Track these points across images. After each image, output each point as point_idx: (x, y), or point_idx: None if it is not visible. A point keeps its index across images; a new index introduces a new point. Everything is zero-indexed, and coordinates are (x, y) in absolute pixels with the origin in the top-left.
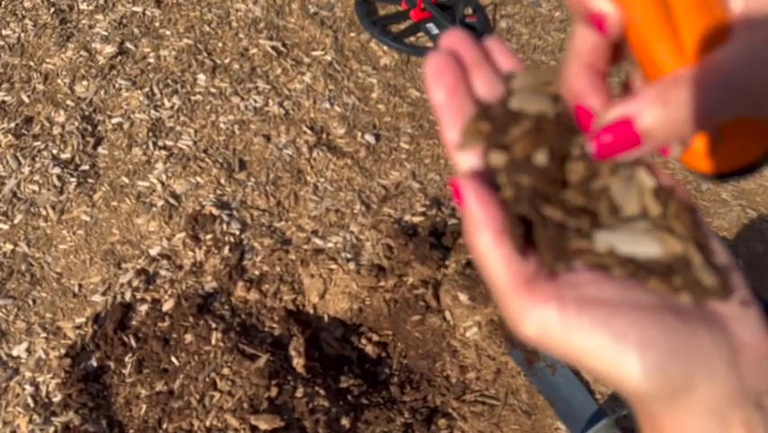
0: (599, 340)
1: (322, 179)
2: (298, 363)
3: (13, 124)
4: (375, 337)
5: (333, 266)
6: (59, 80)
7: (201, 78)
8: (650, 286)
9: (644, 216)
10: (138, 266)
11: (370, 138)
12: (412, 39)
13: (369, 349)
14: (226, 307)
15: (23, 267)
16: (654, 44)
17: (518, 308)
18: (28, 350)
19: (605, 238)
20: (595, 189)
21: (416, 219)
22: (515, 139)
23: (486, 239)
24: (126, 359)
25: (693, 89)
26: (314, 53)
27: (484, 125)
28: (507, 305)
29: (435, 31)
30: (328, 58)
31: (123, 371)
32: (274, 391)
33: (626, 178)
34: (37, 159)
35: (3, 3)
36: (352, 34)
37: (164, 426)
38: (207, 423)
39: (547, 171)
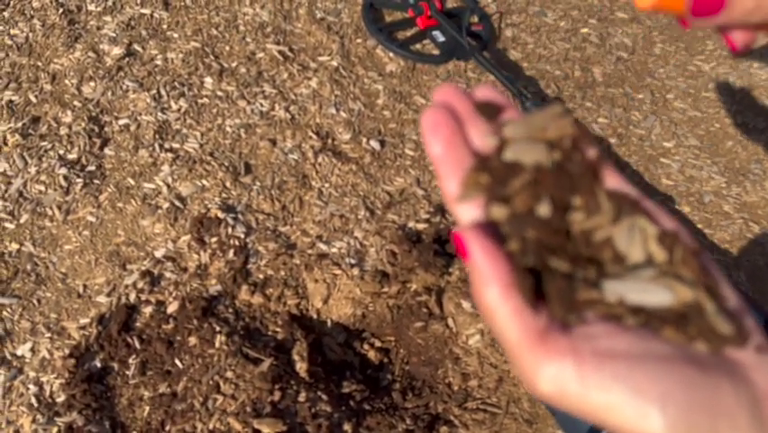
0: (619, 396)
1: (327, 185)
2: (301, 367)
3: (20, 124)
4: (378, 343)
5: (338, 271)
6: (66, 81)
7: (208, 81)
8: (665, 335)
9: (650, 263)
10: (143, 268)
11: (375, 144)
12: (418, 46)
13: (371, 355)
14: (230, 310)
15: (29, 267)
16: None
17: (532, 363)
18: (32, 350)
19: (614, 287)
20: (598, 240)
21: (420, 226)
22: (515, 191)
23: (494, 293)
24: (130, 360)
25: None
26: (320, 58)
27: (483, 177)
28: (520, 361)
29: (442, 38)
30: (334, 63)
31: (127, 372)
32: (277, 396)
33: (629, 226)
34: (44, 159)
35: (11, 2)
36: (359, 40)
37: (167, 428)
38: (210, 426)
39: (550, 223)
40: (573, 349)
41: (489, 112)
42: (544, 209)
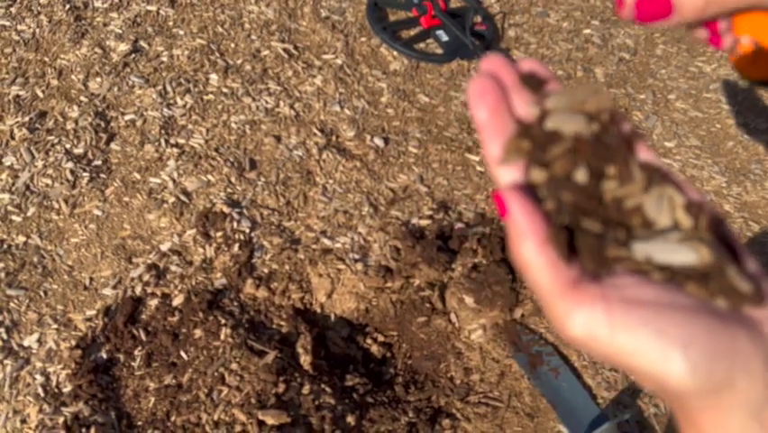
0: (645, 339)
1: (331, 181)
2: (305, 360)
3: (27, 118)
4: (380, 338)
5: (342, 266)
6: (73, 76)
7: (213, 77)
8: (688, 290)
9: (676, 228)
10: (149, 261)
11: (378, 141)
12: (422, 45)
13: (374, 349)
14: (235, 303)
15: (35, 259)
16: None
17: (565, 309)
18: (39, 341)
19: (642, 248)
20: (629, 206)
21: (424, 222)
22: (554, 157)
23: (531, 247)
24: (136, 352)
25: None
26: (325, 56)
27: (525, 143)
28: (553, 308)
29: (445, 38)
30: (339, 61)
31: (133, 364)
32: (281, 388)
33: (658, 195)
34: (50, 153)
35: None
36: (363, 39)
37: (172, 419)
38: (215, 417)
39: (585, 188)
40: (603, 296)
41: (534, 84)
42: (580, 175)
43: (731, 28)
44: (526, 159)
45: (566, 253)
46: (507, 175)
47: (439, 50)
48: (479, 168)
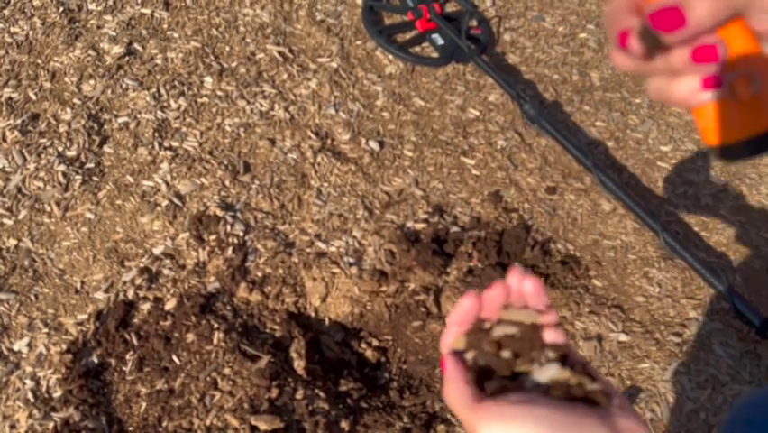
0: (522, 419)
1: (326, 184)
2: (299, 365)
3: (19, 121)
4: (375, 342)
5: (336, 270)
6: (66, 79)
7: (208, 80)
8: (554, 395)
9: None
10: (141, 265)
11: (374, 145)
12: (417, 49)
13: (368, 354)
14: (228, 307)
15: (26, 262)
16: None
17: (473, 418)
18: (29, 345)
19: (529, 378)
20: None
21: (419, 226)
22: (485, 342)
23: (455, 384)
24: (127, 357)
25: None
26: (320, 60)
27: (468, 337)
28: (466, 420)
29: (441, 41)
30: (334, 65)
31: (124, 368)
32: (275, 393)
33: (542, 366)
34: (42, 155)
35: (12, 0)
36: (358, 42)
37: (164, 424)
38: (207, 422)
39: (495, 355)
40: (497, 405)
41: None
42: (492, 349)
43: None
44: (468, 344)
45: (478, 387)
46: (447, 348)
47: (434, 54)
48: (474, 171)
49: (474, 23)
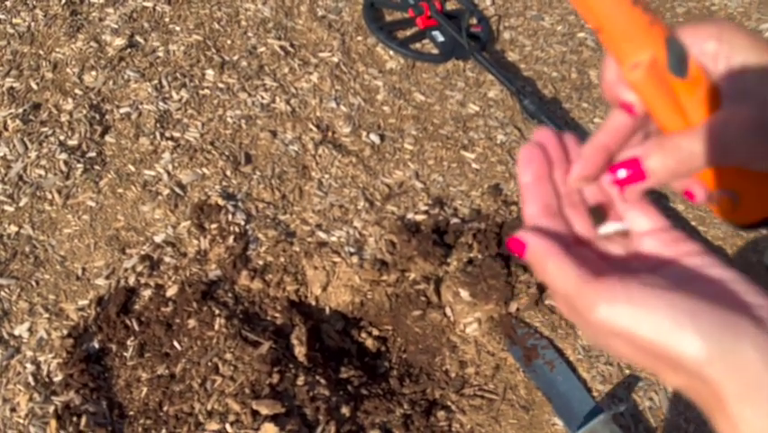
0: (659, 310)
1: (326, 176)
2: (300, 351)
3: (20, 110)
4: (375, 332)
5: (337, 259)
6: (67, 69)
7: (209, 73)
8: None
9: None
10: (142, 252)
11: (374, 138)
12: (418, 45)
13: (369, 343)
14: (230, 294)
15: (27, 249)
16: (664, 118)
17: (590, 296)
18: (30, 330)
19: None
20: None
21: (419, 217)
22: None
23: (554, 261)
24: (128, 342)
25: (687, 141)
26: (321, 54)
27: None
28: (578, 300)
29: (441, 38)
30: (335, 59)
31: (125, 354)
32: (276, 378)
33: None
34: (44, 144)
35: None
36: (359, 38)
37: (165, 408)
38: (209, 407)
39: None
40: (622, 280)
41: (598, 215)
42: None
43: (702, 183)
44: None
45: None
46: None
47: (435, 51)
48: (474, 165)
49: (474, 21)
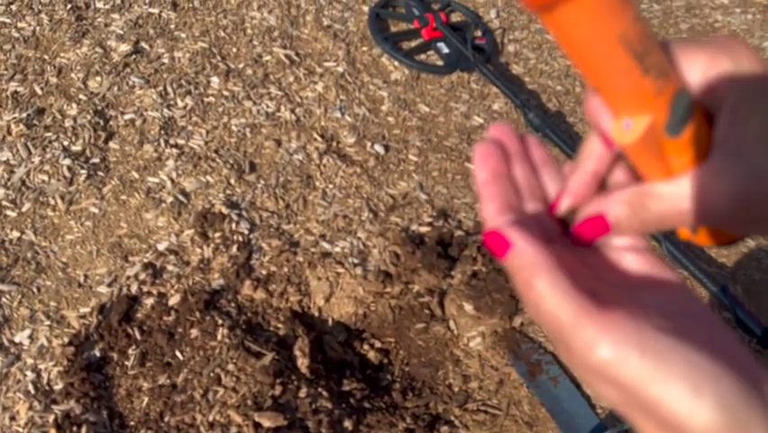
0: (676, 367)
1: (331, 186)
2: (303, 363)
3: (24, 115)
4: (378, 344)
5: (341, 270)
6: (72, 75)
7: (214, 80)
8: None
9: None
10: (145, 260)
11: (379, 148)
12: (422, 56)
13: (371, 355)
14: (233, 304)
15: (29, 255)
16: (645, 170)
17: (590, 334)
18: (31, 337)
19: None
20: None
21: (424, 229)
22: None
23: (545, 277)
24: (130, 351)
25: (649, 200)
26: (326, 64)
27: None
28: (575, 335)
29: (446, 50)
30: (340, 69)
31: (126, 362)
32: (278, 390)
33: None
34: (48, 149)
35: None
36: (365, 48)
37: (166, 419)
38: (210, 418)
39: None
40: (633, 318)
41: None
42: None
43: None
44: None
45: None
46: (501, 219)
47: (440, 62)
48: None
49: (479, 33)
